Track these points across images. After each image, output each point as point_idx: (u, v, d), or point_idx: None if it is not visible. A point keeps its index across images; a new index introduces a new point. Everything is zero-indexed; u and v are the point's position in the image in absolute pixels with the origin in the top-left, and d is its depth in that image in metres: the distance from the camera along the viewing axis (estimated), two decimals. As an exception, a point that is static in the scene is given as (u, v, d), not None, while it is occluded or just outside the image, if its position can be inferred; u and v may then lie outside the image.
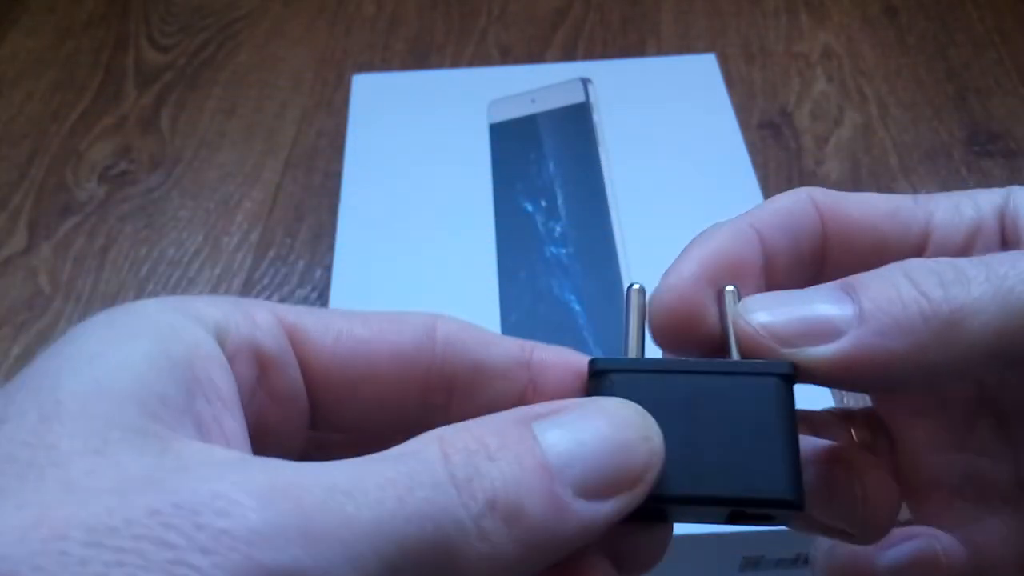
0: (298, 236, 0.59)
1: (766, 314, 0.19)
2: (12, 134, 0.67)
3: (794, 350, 0.19)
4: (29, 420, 0.15)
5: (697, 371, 0.19)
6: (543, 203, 0.46)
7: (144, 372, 0.16)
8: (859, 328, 0.18)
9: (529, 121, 0.51)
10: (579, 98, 0.52)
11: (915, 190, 0.59)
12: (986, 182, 0.60)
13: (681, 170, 0.48)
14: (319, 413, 0.20)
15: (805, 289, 0.20)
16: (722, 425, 0.19)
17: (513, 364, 0.20)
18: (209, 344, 0.17)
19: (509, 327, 0.41)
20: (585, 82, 0.53)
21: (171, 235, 0.59)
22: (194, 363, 0.17)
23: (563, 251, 0.44)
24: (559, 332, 0.40)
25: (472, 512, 0.15)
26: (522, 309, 0.42)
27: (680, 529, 0.34)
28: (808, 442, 0.22)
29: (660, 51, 0.71)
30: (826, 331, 0.19)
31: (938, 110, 0.65)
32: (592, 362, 0.20)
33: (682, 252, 0.21)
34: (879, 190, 0.64)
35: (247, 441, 0.18)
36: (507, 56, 0.71)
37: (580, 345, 0.40)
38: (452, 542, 0.15)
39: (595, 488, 0.17)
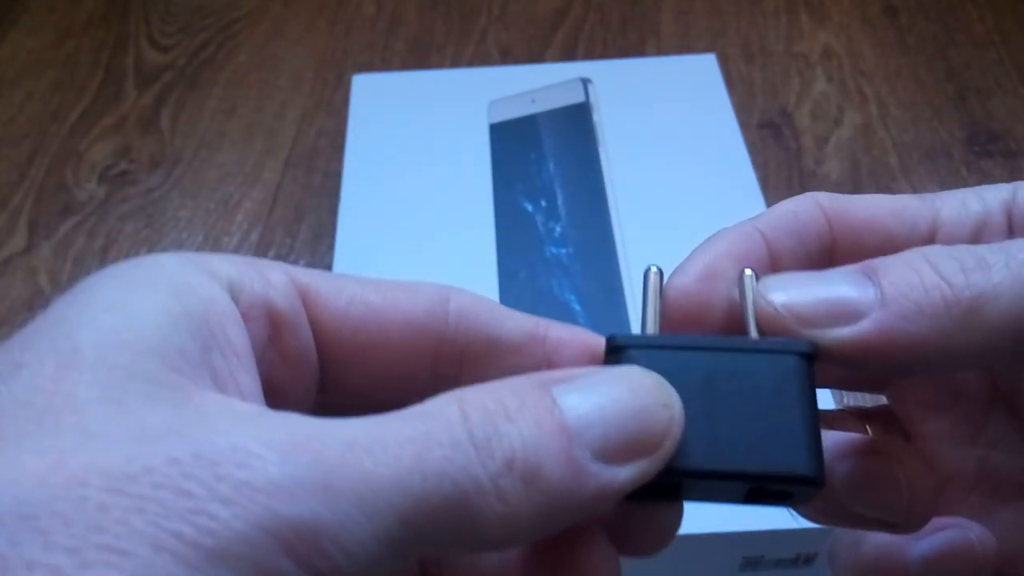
0: (298, 236, 0.59)
1: (786, 294, 0.19)
2: (12, 134, 0.67)
3: (815, 331, 0.19)
4: (46, 367, 0.15)
5: (715, 348, 0.19)
6: (543, 203, 0.46)
7: (163, 324, 0.16)
8: (881, 311, 0.18)
9: (529, 121, 0.51)
10: (579, 98, 0.52)
11: (915, 190, 0.59)
12: (986, 182, 0.59)
13: (681, 170, 0.48)
14: (328, 376, 0.20)
15: (825, 271, 0.20)
16: (741, 401, 0.18)
17: (528, 339, 0.20)
18: (224, 300, 0.18)
19: (509, 327, 0.41)
20: (585, 82, 0.53)
21: (171, 235, 0.59)
22: (210, 318, 0.17)
23: (563, 251, 0.44)
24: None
25: (490, 471, 0.15)
26: (522, 309, 0.42)
27: (680, 529, 0.34)
28: (842, 436, 0.22)
29: (660, 51, 0.71)
30: (848, 313, 0.18)
31: (938, 110, 0.65)
32: (611, 338, 0.20)
33: (689, 255, 0.21)
34: (879, 190, 0.64)
35: (261, 397, 0.18)
36: (507, 56, 0.71)
37: (580, 345, 0.40)
38: (470, 501, 0.15)
39: (613, 452, 0.17)
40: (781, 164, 0.61)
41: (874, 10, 0.74)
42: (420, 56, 0.71)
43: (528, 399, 0.16)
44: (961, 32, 0.71)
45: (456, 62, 0.70)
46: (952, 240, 0.21)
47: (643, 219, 0.45)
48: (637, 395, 0.17)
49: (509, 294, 0.42)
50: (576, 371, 0.18)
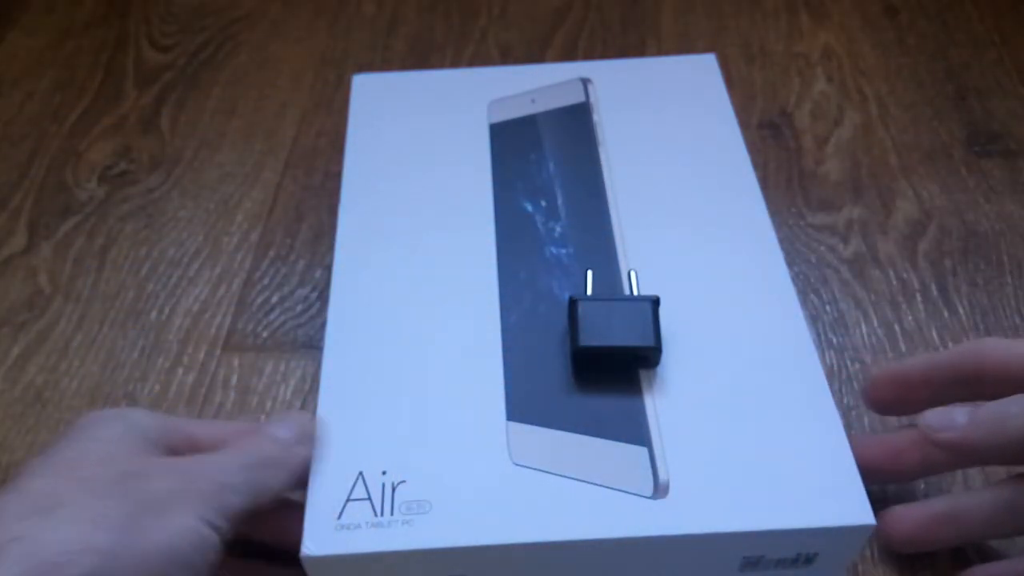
0: (298, 236, 0.59)
1: (925, 417, 0.38)
2: (12, 134, 0.67)
3: (937, 434, 0.36)
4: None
5: (621, 299, 0.39)
6: (543, 203, 0.46)
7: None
8: (964, 428, 0.36)
9: (529, 121, 0.51)
10: (579, 98, 0.52)
11: (915, 190, 0.59)
12: (986, 182, 0.60)
13: (681, 170, 0.48)
14: None
15: (956, 406, 0.37)
16: (624, 317, 0.38)
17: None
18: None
19: (509, 327, 0.41)
20: (585, 82, 0.53)
21: (171, 235, 0.59)
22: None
23: (563, 251, 0.44)
24: (559, 333, 0.40)
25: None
26: (522, 309, 0.42)
27: (680, 529, 0.34)
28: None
29: (660, 51, 0.71)
30: (951, 426, 0.36)
31: (938, 110, 0.65)
32: (570, 298, 0.40)
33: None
34: (879, 190, 0.64)
35: None
36: (507, 56, 0.71)
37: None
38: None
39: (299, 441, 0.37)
40: (781, 164, 0.61)
41: (874, 10, 0.74)
42: (420, 56, 0.71)
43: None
44: (961, 32, 0.71)
45: (456, 62, 0.70)
46: None
47: (643, 219, 0.45)
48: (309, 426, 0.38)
49: (509, 294, 0.42)
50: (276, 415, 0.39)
